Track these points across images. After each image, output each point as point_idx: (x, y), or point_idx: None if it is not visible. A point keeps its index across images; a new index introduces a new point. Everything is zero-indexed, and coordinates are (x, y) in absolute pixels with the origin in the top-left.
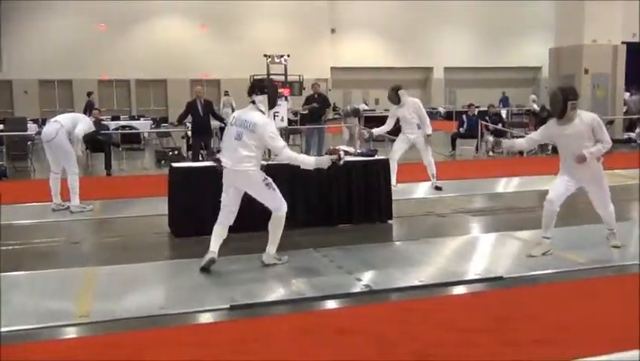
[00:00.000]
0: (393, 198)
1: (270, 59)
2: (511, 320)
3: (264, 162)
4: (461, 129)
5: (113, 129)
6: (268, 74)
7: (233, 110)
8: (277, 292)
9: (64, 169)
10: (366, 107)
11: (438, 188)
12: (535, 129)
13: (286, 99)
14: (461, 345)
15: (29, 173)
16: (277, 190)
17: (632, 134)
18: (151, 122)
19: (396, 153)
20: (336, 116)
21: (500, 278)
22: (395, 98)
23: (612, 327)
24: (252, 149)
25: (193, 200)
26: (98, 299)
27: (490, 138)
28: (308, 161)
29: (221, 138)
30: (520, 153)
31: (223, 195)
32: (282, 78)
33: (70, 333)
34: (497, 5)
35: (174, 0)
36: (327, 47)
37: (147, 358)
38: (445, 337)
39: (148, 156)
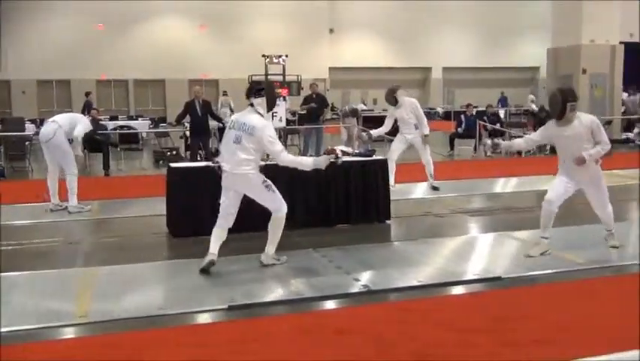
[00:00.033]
0: (392, 198)
1: (268, 59)
2: (510, 320)
3: (263, 163)
4: (459, 129)
5: (111, 129)
6: (266, 74)
7: (231, 110)
8: (276, 293)
9: (63, 169)
10: (365, 107)
11: (435, 188)
12: (534, 129)
13: (284, 99)
14: (460, 345)
15: (27, 173)
16: (277, 191)
17: (630, 135)
18: (149, 122)
19: (394, 153)
20: (335, 116)
21: (499, 278)
22: (392, 100)
23: (611, 327)
24: (250, 152)
25: (191, 200)
26: (97, 299)
27: (488, 142)
28: (306, 162)
29: (219, 139)
30: (519, 153)
31: (222, 198)
32: (281, 78)
33: (69, 333)
34: (495, 5)
35: (173, 0)
36: (325, 47)
37: (146, 358)
38: (443, 337)
39: (146, 156)
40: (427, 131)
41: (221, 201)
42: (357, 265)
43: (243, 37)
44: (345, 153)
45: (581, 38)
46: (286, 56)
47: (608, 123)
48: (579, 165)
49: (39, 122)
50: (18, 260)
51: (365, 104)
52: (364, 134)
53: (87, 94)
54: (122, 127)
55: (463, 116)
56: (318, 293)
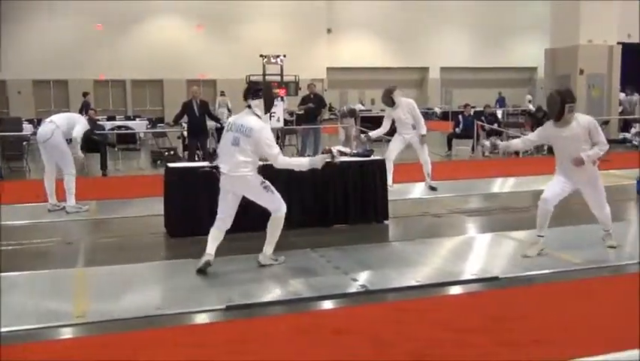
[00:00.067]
0: (390, 198)
1: (266, 60)
2: (507, 320)
3: (261, 163)
4: (457, 129)
5: (108, 129)
6: (264, 75)
7: (229, 111)
8: (273, 293)
9: (60, 170)
10: (363, 108)
11: (432, 188)
12: (532, 130)
13: (282, 99)
14: (457, 345)
15: (25, 173)
16: (276, 192)
17: (628, 135)
18: (147, 122)
19: (392, 153)
20: (333, 116)
21: (496, 278)
22: (389, 101)
23: (608, 327)
24: (248, 154)
25: (189, 200)
26: (95, 300)
27: (487, 143)
28: (302, 163)
29: (217, 139)
30: (516, 153)
31: (220, 200)
32: (278, 78)
33: (67, 333)
34: (493, 5)
35: (171, 0)
36: (323, 47)
37: (144, 358)
38: (441, 337)
39: (144, 156)
40: (424, 131)
41: (219, 204)
42: (355, 265)
43: (241, 38)
44: (343, 153)
45: (579, 39)
46: (284, 56)
47: (605, 123)
48: (577, 166)
49: (36, 123)
50: (16, 260)
51: (363, 105)
52: (363, 136)
53: (85, 94)
54: (119, 127)
55: (460, 117)
56: (316, 293)
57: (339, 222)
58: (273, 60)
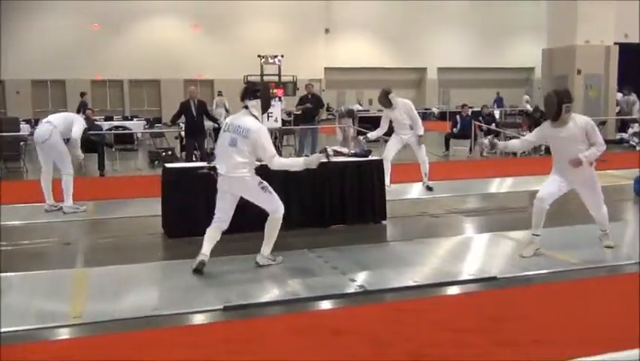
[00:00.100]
0: (387, 198)
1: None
2: (505, 320)
3: (258, 163)
4: (455, 130)
5: (106, 130)
6: (262, 75)
7: (226, 111)
8: (271, 293)
9: (57, 170)
10: (360, 108)
11: (429, 188)
12: (529, 130)
13: (280, 100)
14: (455, 345)
15: (22, 173)
16: (273, 192)
17: (625, 135)
18: (144, 122)
19: (389, 153)
20: (330, 116)
21: (494, 278)
22: (386, 102)
23: (606, 327)
24: (246, 155)
25: (186, 201)
26: (92, 300)
27: (485, 141)
28: (297, 163)
29: (214, 139)
30: (514, 153)
31: (218, 200)
32: (276, 78)
33: (64, 334)
34: (491, 6)
35: (168, 0)
36: (321, 47)
37: (141, 359)
38: (439, 337)
39: (141, 156)
40: (421, 132)
41: (216, 205)
42: (353, 265)
43: (239, 38)
44: (339, 153)
45: (576, 39)
46: (282, 56)
47: (602, 124)
48: (576, 167)
49: (33, 123)
50: (13, 261)
51: (361, 105)
52: (362, 138)
53: (82, 94)
54: (117, 127)
55: (458, 117)
56: (314, 294)
57: (337, 223)
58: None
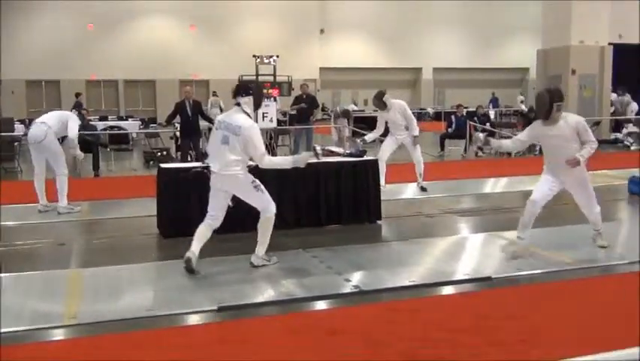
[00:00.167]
0: (382, 198)
1: (259, 60)
2: (500, 319)
3: (253, 163)
4: (450, 130)
5: (101, 130)
6: (257, 75)
7: (221, 111)
8: (266, 293)
9: (51, 170)
10: (355, 108)
11: (423, 189)
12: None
13: (275, 100)
14: (450, 345)
15: (16, 174)
16: (265, 192)
17: (619, 135)
18: (139, 122)
19: (384, 153)
20: (326, 117)
21: (489, 278)
22: (381, 104)
23: (602, 327)
24: (238, 152)
25: (182, 201)
26: (87, 301)
27: (480, 135)
28: (286, 162)
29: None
30: (508, 153)
31: (211, 198)
32: (271, 79)
33: (58, 335)
34: (486, 6)
35: (163, 0)
36: (316, 47)
37: (135, 359)
38: (434, 337)
39: (136, 156)
40: (416, 132)
41: (209, 202)
42: (348, 265)
43: (234, 38)
44: (335, 153)
45: (571, 39)
46: (277, 56)
47: (596, 124)
48: (573, 167)
49: (28, 123)
50: (7, 261)
51: (356, 105)
52: (359, 140)
53: (77, 95)
54: (112, 127)
55: (453, 117)
56: (309, 294)
57: (332, 223)
58: (265, 60)
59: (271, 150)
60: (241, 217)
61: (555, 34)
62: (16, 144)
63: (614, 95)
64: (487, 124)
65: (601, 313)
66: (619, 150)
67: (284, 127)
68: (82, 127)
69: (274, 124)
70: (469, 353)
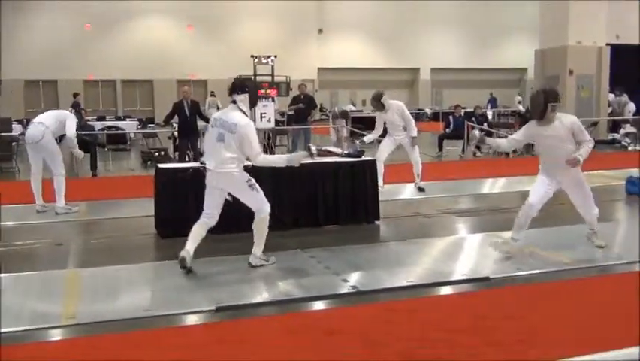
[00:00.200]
0: (380, 199)
1: (257, 60)
2: (498, 320)
3: (250, 163)
4: (448, 130)
5: (98, 130)
6: (255, 75)
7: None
8: (264, 294)
9: (48, 170)
10: (353, 108)
11: (421, 189)
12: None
13: (273, 100)
14: (448, 345)
15: (14, 174)
16: (260, 191)
17: (617, 135)
18: (137, 122)
19: (382, 154)
20: (324, 117)
21: (487, 279)
22: (379, 106)
23: (600, 326)
24: (234, 150)
25: (179, 201)
26: (85, 301)
27: (477, 133)
28: (280, 160)
29: None
30: (506, 153)
31: (207, 196)
32: (269, 79)
33: (56, 335)
34: (484, 7)
35: (161, 0)
36: (314, 47)
37: (134, 359)
38: (431, 337)
39: (134, 156)
40: (414, 133)
41: (205, 200)
42: (346, 265)
43: (232, 38)
44: (332, 153)
45: (568, 40)
46: (275, 56)
47: (594, 124)
48: (573, 167)
49: (25, 123)
50: (6, 261)
51: (354, 105)
52: (358, 142)
53: (75, 95)
54: (109, 127)
55: (451, 117)
56: (307, 294)
57: (330, 223)
58: (263, 61)
59: (269, 150)
60: (240, 217)
61: (552, 35)
62: (13, 144)
63: (611, 96)
64: (485, 124)
65: (599, 314)
66: (616, 150)
67: (282, 127)
68: (79, 127)
69: (272, 124)
70: (466, 353)
